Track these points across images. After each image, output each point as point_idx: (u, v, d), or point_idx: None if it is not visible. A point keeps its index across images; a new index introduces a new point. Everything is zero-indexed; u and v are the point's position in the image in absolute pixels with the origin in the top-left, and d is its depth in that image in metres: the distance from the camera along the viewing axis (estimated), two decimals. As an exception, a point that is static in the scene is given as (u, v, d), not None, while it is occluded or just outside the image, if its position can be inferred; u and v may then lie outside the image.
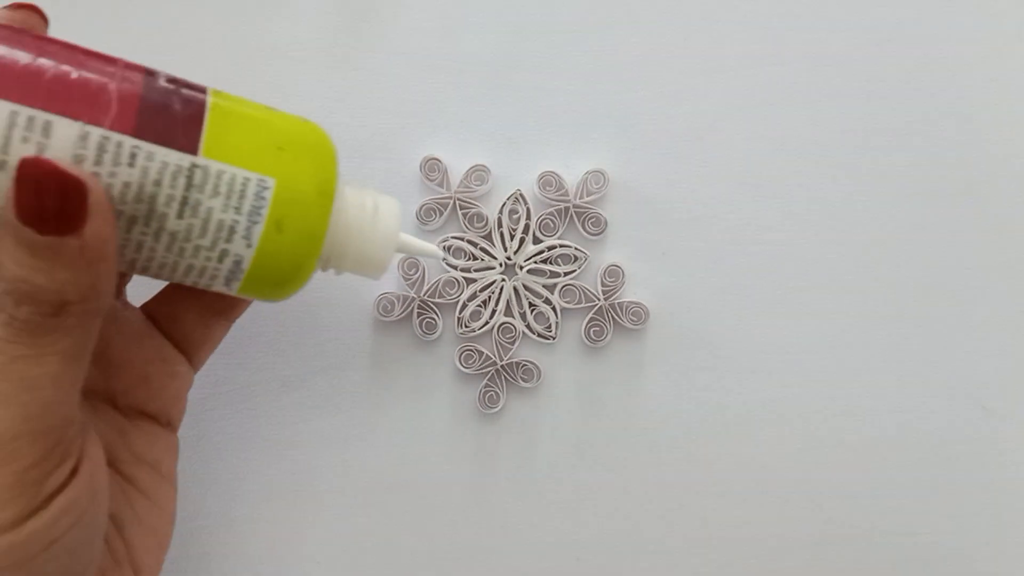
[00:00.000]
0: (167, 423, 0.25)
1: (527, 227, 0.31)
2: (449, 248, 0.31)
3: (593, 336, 0.31)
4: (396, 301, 0.31)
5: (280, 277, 0.22)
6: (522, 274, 0.31)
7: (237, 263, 0.21)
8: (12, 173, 0.17)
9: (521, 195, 0.31)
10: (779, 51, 0.32)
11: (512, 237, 0.31)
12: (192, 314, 0.25)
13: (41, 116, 0.17)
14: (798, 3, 0.32)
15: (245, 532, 0.31)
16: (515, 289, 0.31)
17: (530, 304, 0.31)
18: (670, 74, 0.32)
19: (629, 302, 0.31)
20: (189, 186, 0.19)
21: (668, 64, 0.32)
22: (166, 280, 0.21)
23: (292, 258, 0.21)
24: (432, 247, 0.25)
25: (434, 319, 0.31)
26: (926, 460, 0.32)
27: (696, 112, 0.32)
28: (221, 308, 0.26)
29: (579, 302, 0.31)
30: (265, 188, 0.20)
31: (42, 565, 0.18)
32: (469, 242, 0.31)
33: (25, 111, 0.17)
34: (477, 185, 0.31)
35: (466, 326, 0.31)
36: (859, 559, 0.31)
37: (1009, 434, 0.32)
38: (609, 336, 0.31)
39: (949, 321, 0.32)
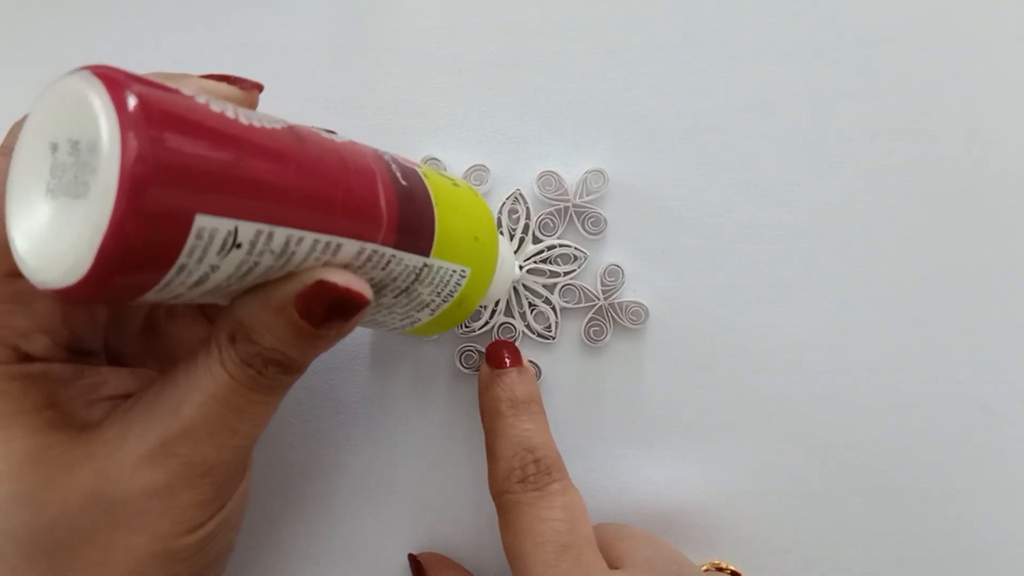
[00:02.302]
0: None
1: (527, 227, 0.31)
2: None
3: (593, 336, 0.31)
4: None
5: (436, 331, 0.26)
6: (522, 274, 0.31)
7: (413, 323, 0.24)
8: (306, 282, 0.19)
9: (521, 195, 0.31)
10: (779, 50, 0.32)
11: (512, 237, 0.31)
12: None
13: (335, 241, 0.19)
14: (798, 3, 0.32)
15: (245, 532, 0.31)
16: (515, 289, 0.31)
17: (530, 304, 0.31)
18: (670, 73, 0.32)
19: (629, 302, 0.31)
20: (416, 280, 0.22)
21: (668, 63, 0.32)
22: None
23: (457, 320, 0.25)
24: (521, 273, 0.31)
25: (434, 319, 0.31)
26: (926, 460, 0.32)
27: (696, 111, 0.32)
28: None
29: (579, 302, 0.31)
30: (463, 277, 0.24)
31: (219, 542, 0.22)
32: (469, 242, 0.31)
33: (324, 239, 0.19)
34: (476, 185, 0.31)
35: (466, 326, 0.31)
36: (858, 559, 0.31)
37: (1009, 434, 0.32)
38: (609, 336, 0.31)
39: (949, 321, 0.32)
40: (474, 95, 0.32)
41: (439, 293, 0.23)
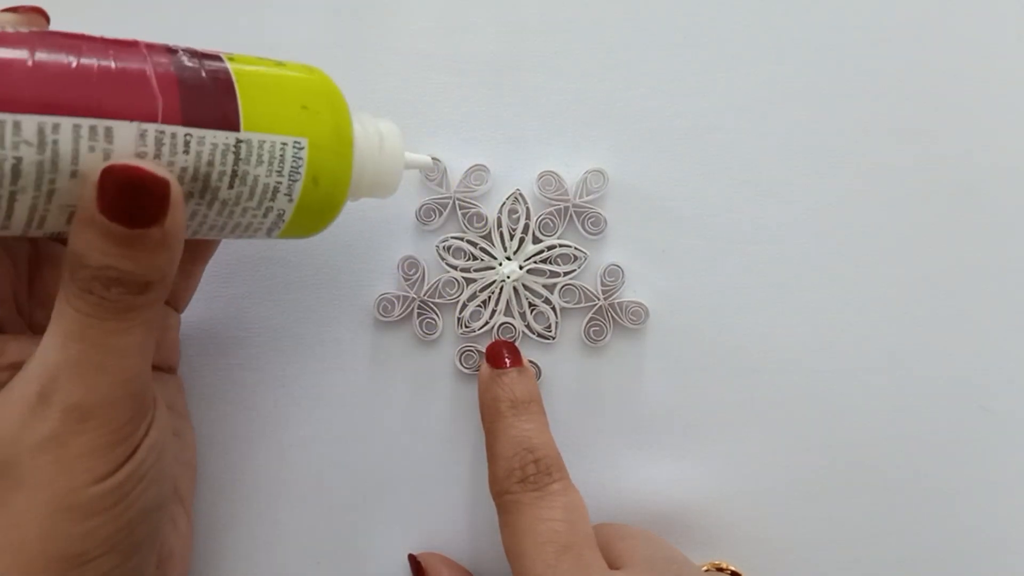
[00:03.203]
0: (169, 368, 0.29)
1: (527, 227, 0.31)
2: (449, 248, 0.31)
3: (593, 336, 0.31)
4: (396, 301, 0.31)
5: (316, 219, 0.24)
6: (522, 274, 0.31)
7: (280, 215, 0.23)
8: (94, 179, 0.19)
9: (521, 195, 0.31)
10: (779, 50, 0.32)
11: (512, 237, 0.31)
12: None
13: (101, 124, 0.18)
14: (798, 3, 0.32)
15: (244, 532, 0.31)
16: (515, 289, 0.31)
17: (530, 304, 0.31)
18: (670, 73, 0.32)
19: (629, 301, 0.31)
20: (237, 160, 0.21)
21: (668, 63, 0.32)
22: (211, 238, 0.23)
23: (327, 202, 0.24)
24: (427, 158, 0.28)
25: (434, 319, 0.31)
26: (926, 460, 0.32)
27: (696, 111, 0.32)
28: (197, 255, 0.28)
29: (579, 302, 0.31)
30: (300, 148, 0.22)
31: (137, 497, 0.22)
32: (469, 242, 0.31)
33: (86, 122, 0.18)
34: (477, 185, 0.31)
35: (466, 326, 0.31)
36: (858, 559, 0.31)
37: (1009, 434, 0.32)
38: (609, 335, 0.31)
39: (949, 321, 0.32)
40: (474, 95, 0.32)
41: (280, 171, 0.22)
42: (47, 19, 0.23)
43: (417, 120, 0.32)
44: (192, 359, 0.31)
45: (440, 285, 0.31)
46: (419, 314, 0.31)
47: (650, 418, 0.31)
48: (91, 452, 0.20)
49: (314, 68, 0.24)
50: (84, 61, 0.19)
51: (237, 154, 0.21)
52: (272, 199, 0.22)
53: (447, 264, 0.31)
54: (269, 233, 0.24)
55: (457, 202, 0.31)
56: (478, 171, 0.31)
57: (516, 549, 0.24)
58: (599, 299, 0.31)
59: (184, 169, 0.20)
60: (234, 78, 0.21)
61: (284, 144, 0.22)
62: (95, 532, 0.21)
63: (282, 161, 0.22)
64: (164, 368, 0.28)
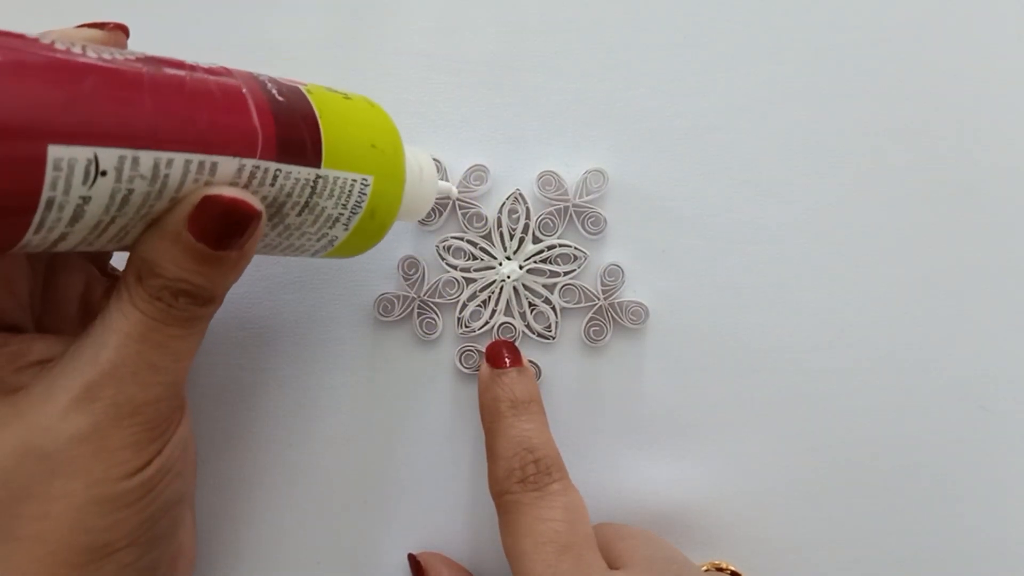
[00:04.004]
0: None
1: (527, 227, 0.31)
2: (449, 248, 0.31)
3: (593, 335, 0.31)
4: (396, 301, 0.31)
5: (361, 245, 0.26)
6: (522, 274, 0.31)
7: (331, 241, 0.24)
8: (192, 202, 0.19)
9: (520, 195, 0.31)
10: (779, 50, 0.32)
11: (512, 237, 0.31)
12: None
13: (209, 160, 0.19)
14: (798, 3, 0.32)
15: (245, 532, 0.31)
16: (515, 289, 0.31)
17: (530, 304, 0.31)
18: (670, 73, 0.32)
19: (629, 301, 0.31)
20: (312, 193, 0.22)
21: (668, 63, 0.32)
22: (263, 254, 0.24)
23: (375, 233, 0.25)
24: (452, 187, 0.30)
25: (434, 319, 0.31)
26: (926, 460, 0.32)
27: (696, 111, 0.32)
28: None
29: (579, 302, 0.31)
30: (366, 186, 0.24)
31: (162, 491, 0.22)
32: (469, 242, 0.31)
33: (196, 158, 0.19)
34: (476, 185, 0.31)
35: (466, 326, 0.31)
36: (858, 559, 0.31)
37: (1009, 434, 0.32)
38: (609, 335, 0.31)
39: (949, 321, 0.32)
40: (474, 95, 0.32)
41: (345, 204, 0.23)
42: (127, 35, 0.24)
43: (417, 120, 0.32)
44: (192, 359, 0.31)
45: (440, 285, 0.31)
46: (419, 314, 0.31)
47: (650, 418, 0.31)
48: (130, 446, 0.21)
49: (374, 103, 0.25)
50: (193, 94, 0.19)
51: (314, 188, 0.22)
52: (331, 227, 0.24)
53: (447, 264, 0.31)
54: (315, 254, 0.25)
55: (457, 202, 0.31)
56: (478, 171, 0.31)
57: (516, 549, 0.25)
58: (599, 299, 0.31)
59: (264, 198, 0.21)
60: (317, 114, 0.22)
61: (354, 181, 0.23)
62: (121, 524, 0.21)
63: (349, 195, 0.23)
64: None
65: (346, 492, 0.31)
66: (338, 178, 0.23)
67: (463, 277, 0.31)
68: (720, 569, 0.30)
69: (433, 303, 0.31)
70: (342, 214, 0.23)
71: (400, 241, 0.31)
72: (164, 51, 0.32)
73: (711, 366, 0.31)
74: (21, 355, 0.22)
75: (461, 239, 0.31)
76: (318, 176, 0.22)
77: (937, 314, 0.32)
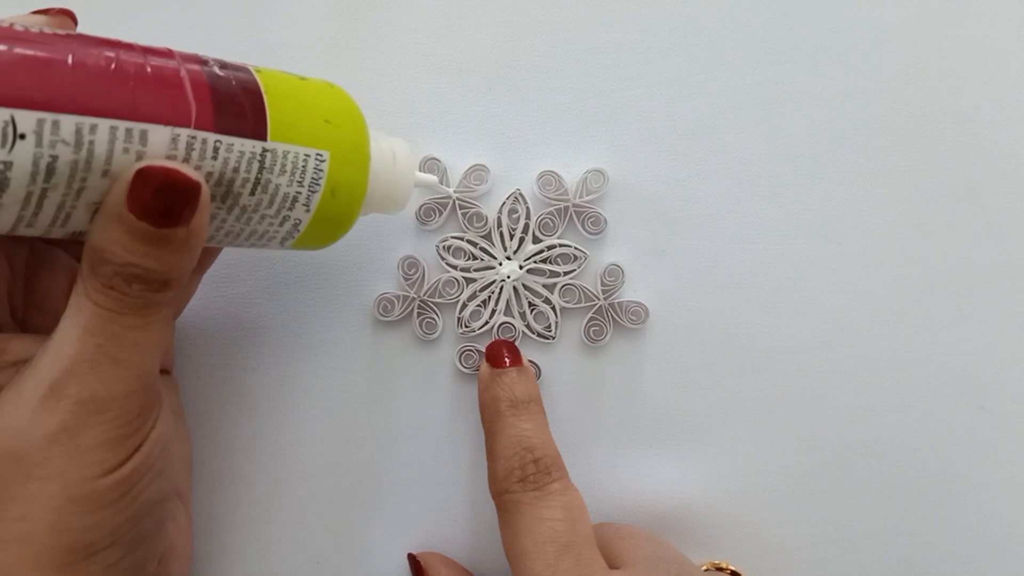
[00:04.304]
0: (163, 370, 0.29)
1: (527, 227, 0.31)
2: (449, 248, 0.31)
3: (593, 335, 0.31)
4: (396, 301, 0.31)
5: (330, 231, 0.25)
6: (522, 273, 0.31)
7: (295, 225, 0.24)
8: (126, 177, 0.19)
9: (521, 195, 0.31)
10: (779, 50, 0.32)
11: (512, 237, 0.31)
12: None
13: (137, 127, 0.19)
14: (798, 2, 0.32)
15: (244, 532, 0.31)
16: (515, 289, 0.31)
17: (530, 304, 0.31)
18: (670, 73, 0.32)
19: (629, 301, 0.31)
20: (261, 168, 0.22)
21: (668, 63, 0.32)
22: (226, 246, 0.24)
23: (342, 216, 0.25)
24: (433, 178, 0.30)
25: (434, 319, 0.31)
26: (926, 460, 0.32)
27: (696, 111, 0.32)
28: (198, 264, 0.28)
29: (579, 301, 0.31)
30: (322, 161, 0.23)
31: (143, 490, 0.22)
32: (469, 242, 0.31)
33: (123, 124, 0.19)
34: (476, 185, 0.31)
35: (466, 326, 0.31)
36: (858, 559, 0.31)
37: (1009, 434, 0.32)
38: (609, 335, 0.31)
39: (949, 321, 0.32)
40: (474, 95, 0.32)
41: (300, 181, 0.23)
42: (75, 21, 0.24)
43: (417, 120, 0.32)
44: (192, 359, 0.31)
45: (440, 285, 0.31)
46: (419, 314, 0.31)
47: (650, 418, 0.31)
48: (103, 444, 0.21)
49: (334, 84, 0.25)
50: (121, 64, 0.19)
51: (262, 163, 0.22)
52: (291, 208, 0.23)
53: (447, 264, 0.31)
54: (283, 243, 0.24)
55: (457, 202, 0.31)
56: (478, 171, 0.31)
57: (516, 549, 0.24)
58: (599, 299, 0.31)
59: (210, 174, 0.21)
60: (263, 89, 0.22)
61: (307, 156, 0.23)
62: (102, 524, 0.21)
63: (304, 172, 0.23)
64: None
65: (346, 492, 0.31)
66: (288, 152, 0.22)
67: (463, 277, 0.31)
68: (720, 569, 0.30)
69: (433, 303, 0.31)
70: (299, 192, 0.23)
71: (400, 241, 0.31)
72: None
73: (711, 366, 0.31)
74: None
75: (461, 239, 0.31)
76: (265, 150, 0.21)
77: (937, 314, 0.32)
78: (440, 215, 0.31)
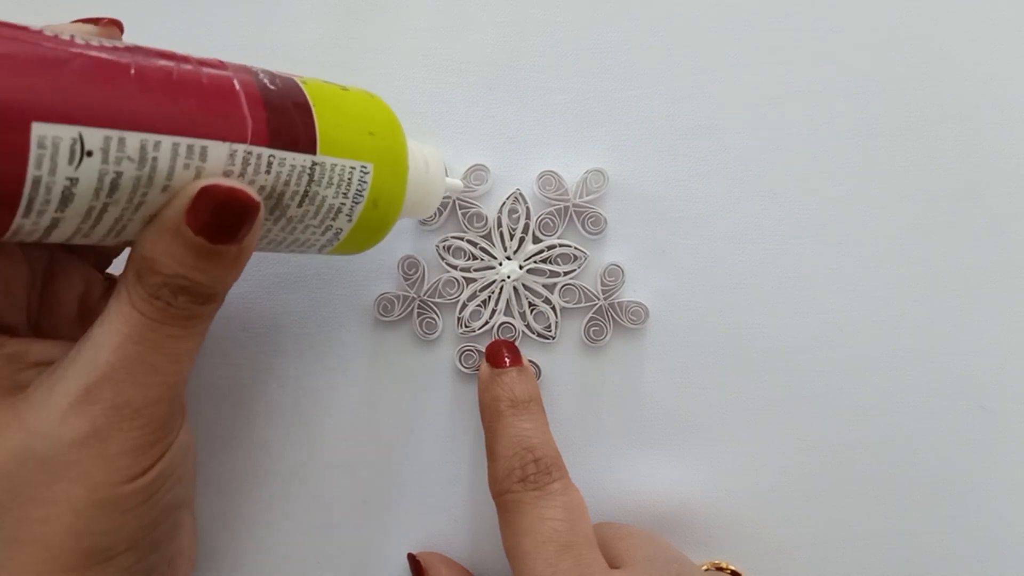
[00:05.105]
0: None
1: (527, 226, 0.31)
2: (449, 248, 0.31)
3: (593, 335, 0.31)
4: (396, 301, 0.31)
5: (368, 239, 0.25)
6: (522, 273, 0.31)
7: (336, 234, 0.24)
8: (188, 193, 0.19)
9: (521, 194, 0.31)
10: (779, 50, 0.32)
11: (512, 236, 0.31)
12: None
13: (198, 144, 0.19)
14: (798, 2, 0.32)
15: (244, 532, 0.31)
16: (515, 289, 0.31)
17: (530, 304, 0.31)
18: (670, 73, 0.32)
19: (629, 301, 0.31)
20: (311, 181, 0.22)
21: (668, 63, 0.32)
22: (266, 251, 0.24)
23: (380, 224, 0.25)
24: (459, 183, 0.30)
25: (434, 319, 0.31)
26: (926, 460, 0.32)
27: (696, 111, 0.32)
28: None
29: (579, 301, 0.31)
30: (366, 173, 0.23)
31: (163, 496, 0.22)
32: (469, 242, 0.31)
33: (184, 141, 0.19)
34: (476, 185, 0.31)
35: (466, 326, 0.31)
36: (858, 559, 0.31)
37: (1009, 434, 0.32)
38: (609, 335, 0.31)
39: (949, 321, 0.32)
40: (474, 95, 0.32)
41: (346, 193, 0.23)
42: (122, 31, 0.24)
43: (417, 120, 0.32)
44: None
45: (440, 285, 0.31)
46: (419, 314, 0.31)
47: (650, 418, 0.31)
48: (131, 450, 0.21)
49: (374, 94, 0.26)
50: (180, 79, 0.19)
51: (311, 176, 0.22)
52: (334, 219, 0.23)
53: (447, 264, 0.31)
54: (321, 250, 0.25)
55: (457, 202, 0.31)
56: (478, 171, 0.31)
57: (516, 548, 0.24)
58: (599, 299, 0.31)
59: (262, 188, 0.21)
60: (311, 102, 0.22)
61: (353, 168, 0.23)
62: (122, 529, 0.21)
63: (349, 184, 0.23)
64: None
65: (346, 492, 0.31)
66: (336, 165, 0.22)
67: (463, 277, 0.31)
68: (720, 569, 0.30)
69: (433, 303, 0.31)
70: (344, 204, 0.23)
71: (400, 241, 0.31)
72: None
73: (711, 366, 0.31)
74: (20, 357, 0.22)
75: (461, 239, 0.31)
76: (315, 163, 0.22)
77: (937, 314, 0.32)
78: (440, 215, 0.31)
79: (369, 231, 0.25)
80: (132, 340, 0.20)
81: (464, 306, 0.31)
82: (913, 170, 0.32)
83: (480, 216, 0.31)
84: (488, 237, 0.31)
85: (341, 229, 0.24)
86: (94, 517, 0.21)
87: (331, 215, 0.23)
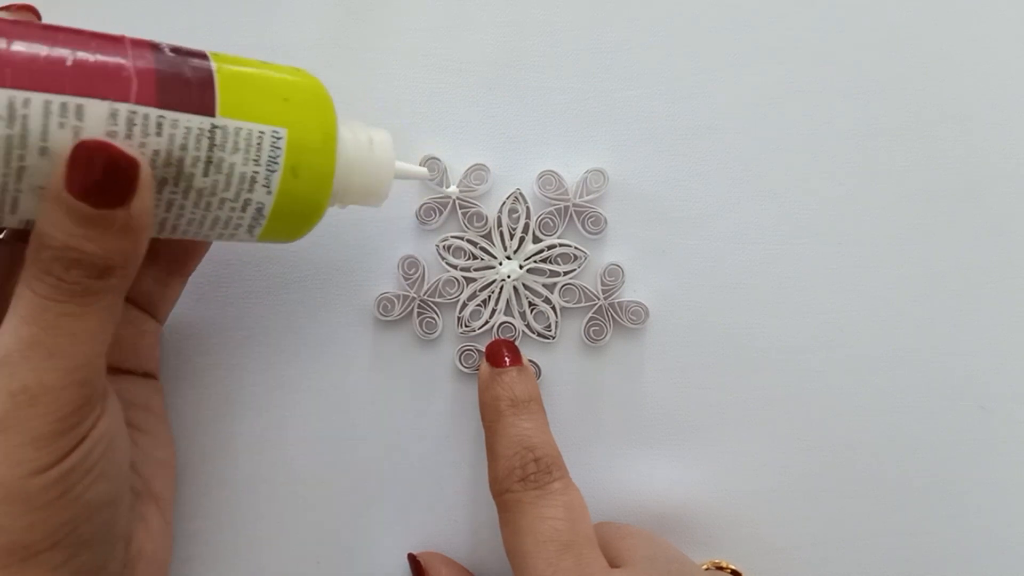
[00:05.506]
0: (144, 374, 0.28)
1: (527, 226, 0.31)
2: (449, 247, 0.31)
3: (593, 335, 0.31)
4: (396, 301, 0.31)
5: (298, 219, 0.24)
6: (522, 273, 0.31)
7: (259, 210, 0.23)
8: (64, 155, 0.19)
9: (521, 194, 0.31)
10: (779, 50, 0.32)
11: (512, 236, 0.31)
12: (149, 277, 0.27)
13: (72, 101, 0.19)
14: (798, 2, 0.32)
15: (245, 532, 0.31)
16: (515, 288, 0.31)
17: (530, 303, 0.31)
18: (670, 73, 0.32)
19: (629, 301, 0.31)
20: (212, 145, 0.21)
21: (668, 63, 0.32)
22: (192, 237, 0.23)
23: (308, 199, 0.23)
24: (422, 169, 0.28)
25: (434, 319, 0.31)
26: (926, 460, 0.32)
27: (696, 111, 0.32)
28: (176, 266, 0.28)
29: (579, 301, 0.31)
30: (279, 138, 0.22)
31: (84, 491, 0.21)
32: (469, 241, 0.31)
33: (57, 99, 0.19)
34: (477, 184, 0.31)
35: (466, 326, 0.31)
36: (858, 559, 0.31)
37: (1009, 434, 0.32)
38: (609, 335, 0.31)
39: (949, 321, 0.32)
40: (474, 95, 0.32)
41: (256, 160, 0.22)
42: (38, 17, 0.23)
43: (417, 120, 0.32)
44: (192, 359, 0.31)
45: (440, 284, 0.31)
46: (419, 313, 0.31)
47: (650, 418, 0.31)
48: (34, 440, 0.20)
49: (303, 70, 0.24)
50: (63, 42, 0.19)
51: (212, 139, 0.21)
52: (250, 190, 0.22)
53: (447, 263, 0.31)
54: (251, 231, 0.23)
55: (457, 201, 0.31)
56: (478, 171, 0.31)
57: (517, 548, 0.24)
58: (599, 299, 0.31)
59: (156, 152, 0.20)
60: (214, 67, 0.21)
61: (261, 132, 0.22)
62: (38, 525, 0.20)
63: (259, 149, 0.22)
64: (140, 373, 0.28)
65: (346, 492, 0.31)
66: (240, 128, 0.21)
67: (463, 276, 0.31)
68: (720, 568, 0.30)
69: (433, 303, 0.31)
70: (257, 172, 0.22)
71: (400, 241, 0.31)
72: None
73: (711, 366, 0.31)
74: None
75: (461, 238, 0.31)
76: (215, 126, 0.21)
77: (937, 314, 0.32)
78: (440, 215, 0.31)
79: (298, 206, 0.23)
80: (26, 321, 0.19)
81: (464, 306, 0.31)
82: (913, 170, 0.32)
83: (480, 216, 0.31)
84: (488, 237, 0.31)
85: (263, 203, 0.23)
86: (4, 514, 0.20)
87: (245, 185, 0.22)
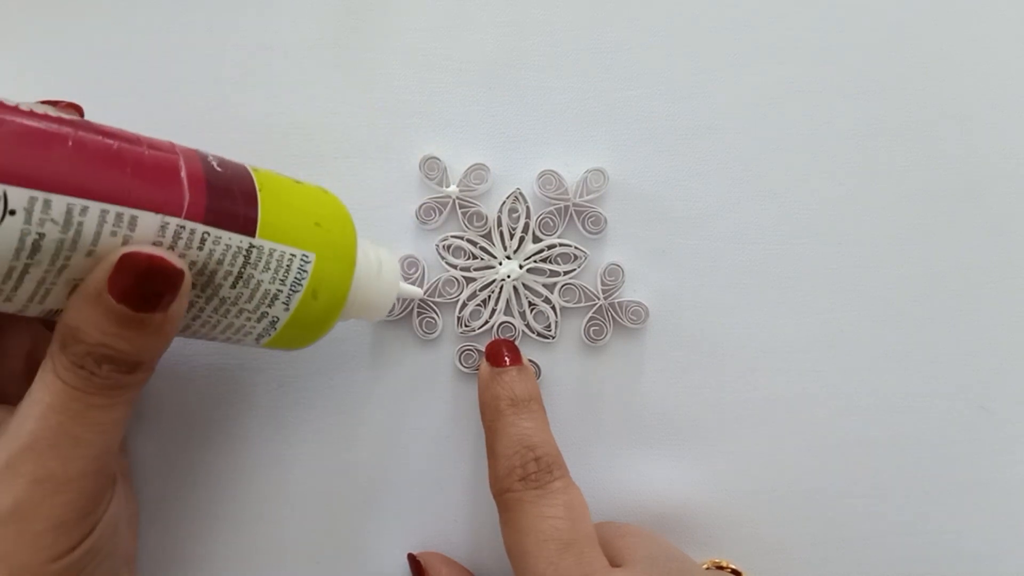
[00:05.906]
0: None
1: (527, 226, 0.31)
2: (449, 247, 0.31)
3: (593, 335, 0.31)
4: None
5: (306, 333, 0.25)
6: (522, 273, 0.31)
7: (273, 323, 0.24)
8: (111, 260, 0.19)
9: (521, 194, 0.31)
10: (779, 50, 0.32)
11: (512, 236, 0.31)
12: None
13: (128, 212, 0.19)
14: (798, 2, 0.32)
15: (245, 532, 0.31)
16: (515, 288, 0.31)
17: (530, 303, 0.31)
18: (670, 73, 0.32)
19: (629, 301, 0.31)
20: (246, 263, 0.22)
21: (668, 63, 0.32)
22: (202, 338, 0.24)
23: (320, 318, 0.24)
24: (418, 290, 0.30)
25: (434, 318, 0.31)
26: (926, 460, 0.32)
27: (696, 111, 0.32)
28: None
29: (579, 301, 0.31)
30: (307, 262, 0.23)
31: (92, 572, 0.21)
32: (469, 241, 0.31)
33: (113, 208, 0.19)
34: (477, 184, 0.31)
35: (466, 325, 0.31)
36: (858, 559, 0.31)
37: (1009, 434, 0.32)
38: (609, 335, 0.31)
39: (949, 321, 0.32)
40: (474, 95, 0.32)
41: (283, 280, 0.23)
42: (82, 115, 0.24)
43: (417, 120, 0.32)
44: (192, 360, 0.31)
45: (440, 284, 0.31)
46: (419, 313, 0.31)
47: (650, 418, 0.31)
48: (56, 527, 0.20)
49: (327, 190, 0.25)
50: (120, 150, 0.19)
51: (247, 258, 0.22)
52: (270, 305, 0.23)
53: (447, 263, 0.31)
54: (258, 340, 0.24)
55: (457, 201, 0.31)
56: (478, 170, 0.31)
57: (517, 547, 0.24)
58: (599, 299, 0.31)
59: (193, 263, 0.21)
60: (257, 187, 0.22)
61: (292, 255, 0.23)
62: None
63: (287, 271, 0.23)
64: None
65: (346, 492, 0.31)
66: (275, 250, 0.22)
67: (463, 276, 0.31)
68: (720, 567, 0.30)
69: (433, 302, 0.31)
70: (280, 291, 0.23)
71: (400, 240, 0.31)
72: (163, 50, 0.32)
73: (711, 366, 0.31)
74: None
75: (461, 238, 0.31)
76: (252, 245, 0.22)
77: (937, 314, 0.32)
78: (440, 214, 0.31)
79: (309, 323, 0.24)
80: (54, 410, 0.20)
81: (464, 305, 0.31)
82: (913, 170, 0.32)
83: (480, 215, 0.31)
84: (488, 236, 0.31)
85: (278, 318, 0.23)
86: None
87: (267, 301, 0.23)
